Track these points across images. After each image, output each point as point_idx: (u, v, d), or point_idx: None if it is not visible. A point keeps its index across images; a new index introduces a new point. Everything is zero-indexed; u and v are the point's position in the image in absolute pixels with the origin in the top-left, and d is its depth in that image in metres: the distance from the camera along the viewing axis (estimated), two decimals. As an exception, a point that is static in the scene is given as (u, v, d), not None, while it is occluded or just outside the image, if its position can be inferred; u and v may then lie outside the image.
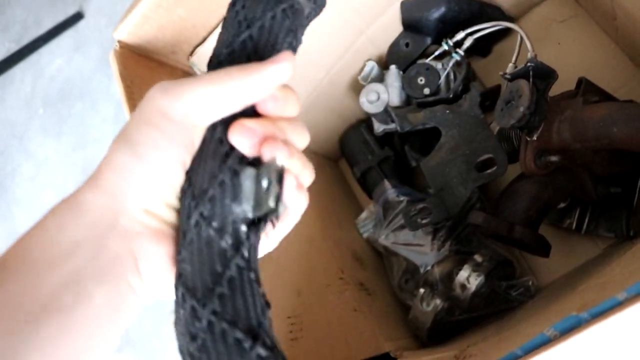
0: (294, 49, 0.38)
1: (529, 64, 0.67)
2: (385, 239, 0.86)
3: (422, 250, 0.82)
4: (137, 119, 0.34)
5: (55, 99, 1.84)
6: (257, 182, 0.32)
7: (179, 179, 0.34)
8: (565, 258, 0.81)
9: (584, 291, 0.59)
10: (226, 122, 0.34)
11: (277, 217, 0.32)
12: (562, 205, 0.78)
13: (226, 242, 0.31)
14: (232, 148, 0.33)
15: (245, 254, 0.31)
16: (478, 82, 0.90)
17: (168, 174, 0.34)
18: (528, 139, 0.68)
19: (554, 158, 0.68)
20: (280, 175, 0.32)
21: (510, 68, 0.73)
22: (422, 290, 0.81)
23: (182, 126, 0.34)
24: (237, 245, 0.32)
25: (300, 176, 0.36)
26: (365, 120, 0.98)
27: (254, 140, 0.33)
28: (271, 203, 0.31)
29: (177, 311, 0.32)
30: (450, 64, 0.82)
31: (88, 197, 0.33)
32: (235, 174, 0.32)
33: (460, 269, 0.78)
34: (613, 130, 0.61)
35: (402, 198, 0.86)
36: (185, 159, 0.34)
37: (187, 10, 0.76)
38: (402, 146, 0.93)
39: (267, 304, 0.32)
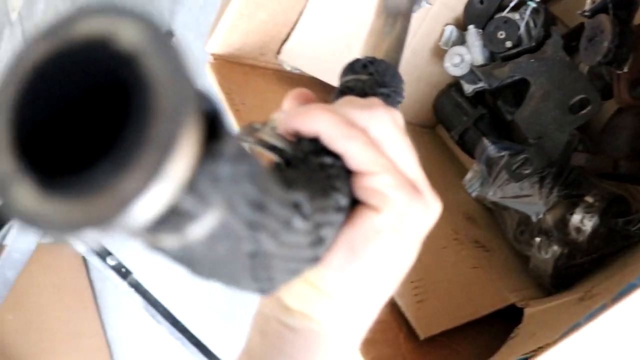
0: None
1: (606, -3, 0.66)
2: (493, 195, 0.88)
3: (531, 200, 0.83)
4: None
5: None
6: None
7: None
8: (682, 185, 0.79)
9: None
10: None
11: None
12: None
13: None
14: None
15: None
16: (560, 24, 0.89)
17: None
18: (619, 72, 0.68)
19: (649, 86, 0.67)
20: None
21: (588, 4, 0.72)
22: (537, 239, 0.82)
23: None
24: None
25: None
26: (455, 83, 0.99)
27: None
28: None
29: None
30: (528, 12, 0.82)
31: None
32: None
33: (572, 213, 0.78)
34: None
35: (502, 153, 0.87)
36: None
37: (267, 12, 0.81)
38: (495, 102, 0.93)
39: None
